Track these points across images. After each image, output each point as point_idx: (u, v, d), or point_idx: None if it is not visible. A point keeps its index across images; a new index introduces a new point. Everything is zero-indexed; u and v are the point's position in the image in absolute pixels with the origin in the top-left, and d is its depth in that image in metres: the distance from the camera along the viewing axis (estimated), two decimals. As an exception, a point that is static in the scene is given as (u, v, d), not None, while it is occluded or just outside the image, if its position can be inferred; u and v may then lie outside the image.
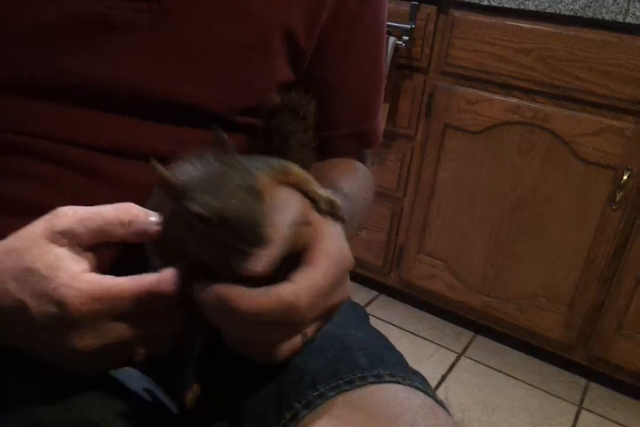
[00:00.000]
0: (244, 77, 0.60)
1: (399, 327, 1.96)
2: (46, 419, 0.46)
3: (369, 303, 2.07)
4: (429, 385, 0.54)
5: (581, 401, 1.75)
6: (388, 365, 0.52)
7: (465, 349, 1.93)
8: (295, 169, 0.50)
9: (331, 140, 0.72)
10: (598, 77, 1.49)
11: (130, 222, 0.43)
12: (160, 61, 0.55)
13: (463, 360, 1.88)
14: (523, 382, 1.81)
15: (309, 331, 0.46)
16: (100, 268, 0.44)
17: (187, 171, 0.41)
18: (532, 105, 1.60)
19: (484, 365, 1.87)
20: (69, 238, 0.42)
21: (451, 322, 2.03)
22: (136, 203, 0.55)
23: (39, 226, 0.43)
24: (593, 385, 1.82)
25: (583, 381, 1.83)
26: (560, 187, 1.63)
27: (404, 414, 0.46)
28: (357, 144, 0.74)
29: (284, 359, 0.46)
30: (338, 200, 0.49)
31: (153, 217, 0.44)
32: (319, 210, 0.48)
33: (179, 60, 0.56)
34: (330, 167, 0.71)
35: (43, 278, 0.41)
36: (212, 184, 0.40)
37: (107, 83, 0.54)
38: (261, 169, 0.46)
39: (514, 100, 1.62)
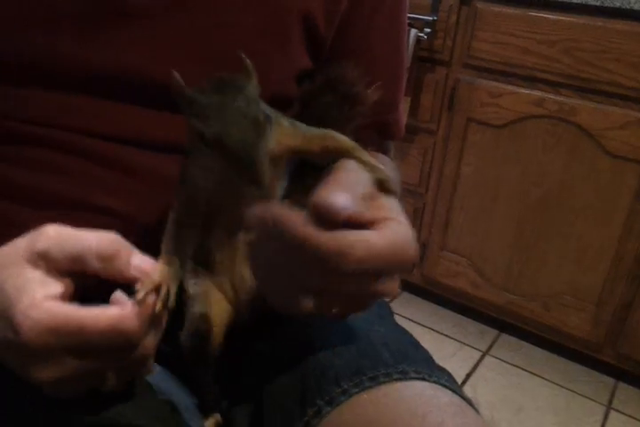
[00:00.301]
0: (260, 66, 0.58)
1: (422, 325, 1.93)
2: (80, 421, 0.46)
3: (391, 301, 2.05)
4: (456, 382, 0.52)
5: (610, 402, 1.71)
6: (413, 361, 0.51)
7: (489, 347, 1.90)
8: (338, 135, 0.47)
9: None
10: (626, 69, 1.45)
11: (107, 257, 0.40)
12: (171, 49, 0.54)
13: (488, 359, 1.85)
14: (549, 381, 1.77)
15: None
16: (78, 294, 0.42)
17: (204, 89, 0.40)
18: (558, 98, 1.56)
19: (508, 363, 1.83)
20: (46, 261, 0.40)
21: (474, 320, 2.00)
22: (158, 194, 0.55)
23: (22, 243, 0.41)
24: (622, 385, 1.77)
25: (612, 380, 1.79)
26: (586, 182, 1.59)
27: (431, 413, 0.45)
28: (379, 135, 0.73)
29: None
30: (386, 172, 0.46)
31: (136, 258, 0.41)
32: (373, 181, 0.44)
33: (191, 47, 0.55)
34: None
35: (8, 300, 0.39)
36: (220, 106, 0.39)
37: (120, 71, 0.53)
38: (285, 121, 0.45)
39: (538, 93, 1.59)
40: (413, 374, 0.48)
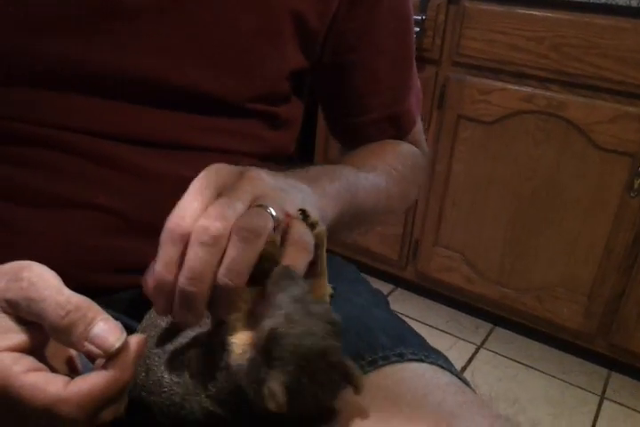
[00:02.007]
0: (254, 64, 0.59)
1: (417, 320, 1.95)
2: None
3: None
4: (453, 365, 0.54)
5: (604, 391, 1.73)
6: (409, 344, 0.52)
7: (484, 341, 1.92)
8: None
9: (363, 127, 0.72)
10: (613, 64, 1.47)
11: (60, 330, 0.36)
12: (169, 48, 0.55)
13: (482, 352, 1.87)
14: (543, 372, 1.80)
15: None
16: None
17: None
18: (547, 93, 1.58)
19: (503, 356, 1.86)
20: (14, 310, 0.37)
21: (469, 314, 2.02)
22: (158, 193, 0.55)
23: (1, 283, 0.38)
24: (615, 375, 1.80)
25: (605, 371, 1.81)
26: (577, 176, 1.61)
27: (431, 393, 0.46)
28: (391, 128, 0.73)
29: None
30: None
31: (96, 327, 0.36)
32: None
33: (188, 46, 0.56)
34: (369, 154, 0.70)
35: None
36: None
37: (116, 70, 0.54)
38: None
39: (528, 89, 1.61)
40: (411, 356, 0.50)
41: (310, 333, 0.35)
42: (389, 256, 2.04)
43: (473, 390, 0.50)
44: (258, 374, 0.36)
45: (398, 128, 0.74)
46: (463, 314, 2.03)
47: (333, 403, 0.40)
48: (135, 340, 0.37)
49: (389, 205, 0.68)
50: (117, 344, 0.36)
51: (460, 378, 0.51)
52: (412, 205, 1.92)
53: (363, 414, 0.44)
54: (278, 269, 0.39)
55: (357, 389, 0.38)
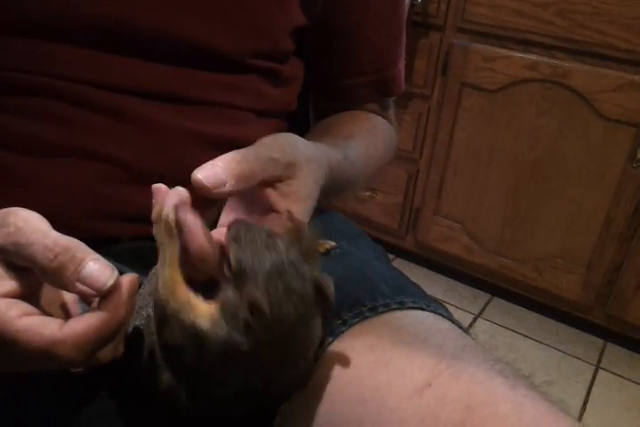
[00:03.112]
0: (259, 19, 0.59)
1: (415, 290, 1.96)
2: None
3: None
4: (453, 315, 0.54)
5: (599, 361, 1.75)
6: (410, 293, 0.52)
7: (482, 310, 1.93)
8: None
9: (351, 89, 0.72)
10: (620, 31, 1.45)
11: (50, 271, 0.36)
12: (173, 2, 0.55)
13: (480, 322, 1.88)
14: (540, 342, 1.81)
15: None
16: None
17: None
18: (552, 61, 1.56)
19: (501, 326, 1.87)
20: (4, 256, 0.37)
21: (467, 284, 2.03)
22: (153, 142, 0.56)
23: None
24: (610, 345, 1.81)
25: (601, 341, 1.83)
26: (579, 145, 1.60)
27: (432, 336, 0.46)
28: (378, 92, 0.74)
29: None
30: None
31: (86, 269, 0.36)
32: None
33: (192, 1, 0.55)
34: (346, 123, 0.71)
35: None
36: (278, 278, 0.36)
37: (121, 23, 0.54)
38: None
39: (532, 57, 1.59)
40: (412, 304, 0.50)
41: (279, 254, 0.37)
42: (389, 226, 2.04)
43: (473, 339, 0.50)
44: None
45: (385, 93, 0.75)
46: (462, 284, 2.04)
47: (315, 350, 0.40)
48: (127, 279, 0.37)
49: (369, 173, 0.69)
50: (109, 283, 0.36)
51: (460, 327, 0.51)
52: (412, 173, 1.92)
53: (361, 356, 0.44)
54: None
55: (329, 300, 0.38)
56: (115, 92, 0.55)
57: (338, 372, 0.45)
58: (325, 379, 0.45)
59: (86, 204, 0.55)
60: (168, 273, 0.39)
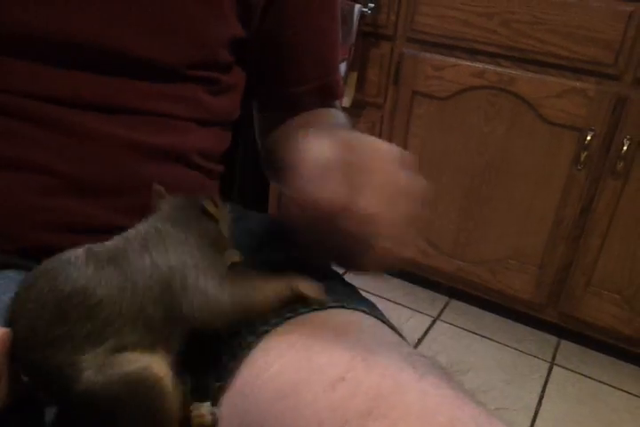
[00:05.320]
0: (195, 30, 0.61)
1: (374, 294, 1.98)
2: None
3: (344, 273, 2.09)
4: (380, 312, 0.55)
5: (553, 358, 1.80)
6: (334, 293, 0.54)
7: (440, 313, 1.97)
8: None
9: (299, 97, 0.75)
10: (560, 39, 1.51)
11: None
12: (108, 13, 0.56)
13: (439, 324, 1.92)
14: (496, 342, 1.85)
15: None
16: None
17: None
18: (497, 69, 1.62)
19: (458, 327, 1.91)
20: None
21: (425, 287, 2.07)
22: (95, 153, 0.56)
23: None
24: (564, 342, 1.87)
25: (555, 338, 1.88)
26: (526, 149, 1.66)
27: (351, 332, 0.48)
28: (324, 97, 0.77)
29: None
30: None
31: None
32: None
33: (134, 13, 0.56)
34: (316, 116, 0.74)
35: None
36: None
37: (57, 36, 0.55)
38: None
39: (479, 65, 1.64)
40: (332, 304, 0.51)
41: None
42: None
43: (402, 337, 0.52)
44: None
45: (331, 96, 0.78)
46: (420, 287, 2.07)
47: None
48: None
49: None
50: None
51: (386, 324, 0.53)
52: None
53: (283, 354, 0.46)
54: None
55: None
56: (54, 103, 0.56)
57: (261, 371, 0.46)
58: (249, 378, 0.46)
59: (27, 215, 0.56)
60: None
